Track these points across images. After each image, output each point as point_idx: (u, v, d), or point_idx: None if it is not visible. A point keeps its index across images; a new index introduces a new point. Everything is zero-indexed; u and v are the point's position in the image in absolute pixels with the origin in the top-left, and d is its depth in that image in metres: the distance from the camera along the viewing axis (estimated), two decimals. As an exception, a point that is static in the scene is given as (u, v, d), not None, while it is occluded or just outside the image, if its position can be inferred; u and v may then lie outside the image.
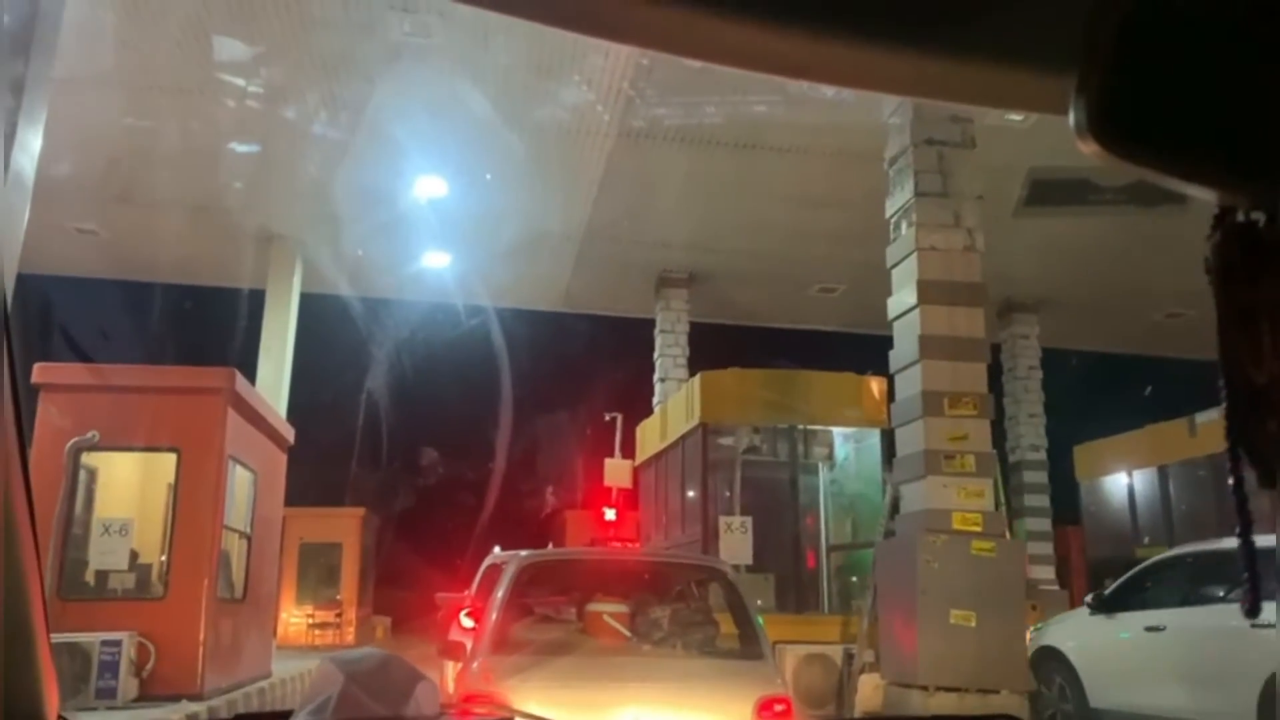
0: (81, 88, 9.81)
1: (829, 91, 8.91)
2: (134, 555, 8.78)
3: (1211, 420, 12.12)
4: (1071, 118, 0.70)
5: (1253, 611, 0.76)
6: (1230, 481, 0.75)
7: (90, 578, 8.70)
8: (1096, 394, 19.77)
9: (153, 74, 10.15)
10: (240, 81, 10.36)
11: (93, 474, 8.95)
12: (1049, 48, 0.80)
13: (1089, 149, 0.69)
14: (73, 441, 8.27)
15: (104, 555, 8.60)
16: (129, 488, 9.43)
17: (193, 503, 8.70)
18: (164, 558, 8.78)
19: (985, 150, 9.58)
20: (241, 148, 11.64)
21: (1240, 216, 0.74)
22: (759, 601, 10.17)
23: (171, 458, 8.84)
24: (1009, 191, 11.50)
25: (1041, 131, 9.64)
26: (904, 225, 9.48)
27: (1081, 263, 14.44)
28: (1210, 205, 0.75)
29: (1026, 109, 0.91)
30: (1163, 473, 13.43)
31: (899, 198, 9.60)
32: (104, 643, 7.72)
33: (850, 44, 0.82)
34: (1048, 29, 0.81)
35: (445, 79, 10.08)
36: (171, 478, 8.87)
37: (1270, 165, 0.70)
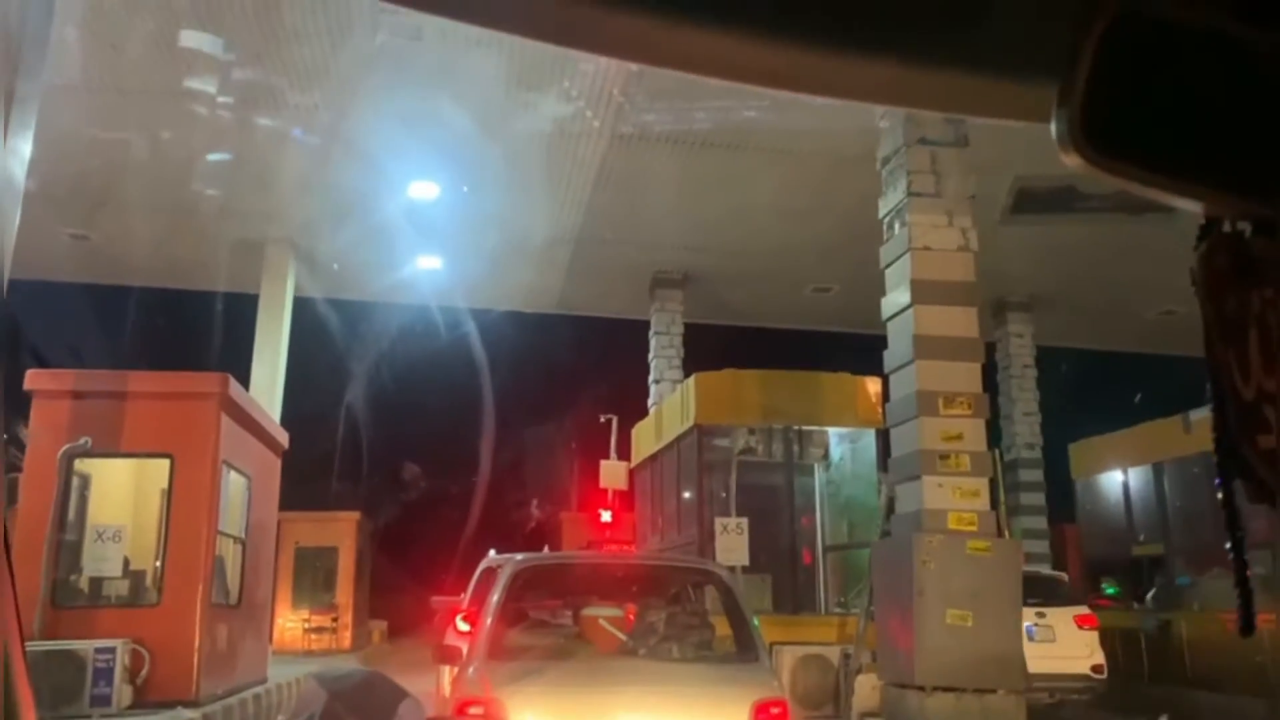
0: (74, 93, 9.79)
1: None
2: (127, 562, 8.75)
3: (1205, 417, 12.02)
4: (1054, 129, 0.69)
5: (1246, 630, 0.74)
6: (1220, 497, 0.74)
7: (84, 585, 8.67)
8: (1092, 392, 19.82)
9: (144, 78, 10.12)
10: (233, 87, 10.33)
11: (86, 480, 8.92)
12: (1033, 58, 0.79)
13: (1071, 160, 0.69)
14: (65, 448, 8.24)
15: (97, 562, 8.57)
16: (122, 494, 9.40)
17: (186, 508, 8.67)
18: (158, 564, 8.75)
19: (978, 150, 9.58)
20: (235, 153, 11.61)
21: (1226, 227, 0.73)
22: (754, 604, 10.17)
23: (165, 463, 8.81)
24: (1002, 191, 11.52)
25: (1035, 131, 9.62)
26: (897, 225, 9.48)
27: (1075, 262, 14.46)
28: (1196, 214, 0.75)
29: (1011, 118, 0.91)
30: (1158, 470, 13.40)
31: (892, 198, 9.60)
32: (98, 650, 7.69)
33: (835, 55, 0.81)
34: (1032, 39, 0.80)
35: (439, 84, 10.07)
36: (165, 483, 8.84)
37: (1254, 176, 0.70)
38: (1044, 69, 0.74)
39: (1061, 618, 10.45)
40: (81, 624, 7.92)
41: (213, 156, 11.60)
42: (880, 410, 10.73)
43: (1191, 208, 0.72)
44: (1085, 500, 15.37)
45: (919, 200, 9.26)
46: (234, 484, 9.67)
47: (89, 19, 8.94)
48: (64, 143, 10.47)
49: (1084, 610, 10.79)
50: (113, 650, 7.74)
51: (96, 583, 8.69)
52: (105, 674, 7.67)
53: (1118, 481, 14.49)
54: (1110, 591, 14.62)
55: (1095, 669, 10.40)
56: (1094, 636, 10.59)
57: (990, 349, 14.30)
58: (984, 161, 9.76)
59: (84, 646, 7.62)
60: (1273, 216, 0.70)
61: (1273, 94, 0.70)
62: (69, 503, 8.50)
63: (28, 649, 1.05)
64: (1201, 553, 12.22)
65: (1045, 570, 12.54)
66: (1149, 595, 13.37)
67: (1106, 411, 16.07)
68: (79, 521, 8.74)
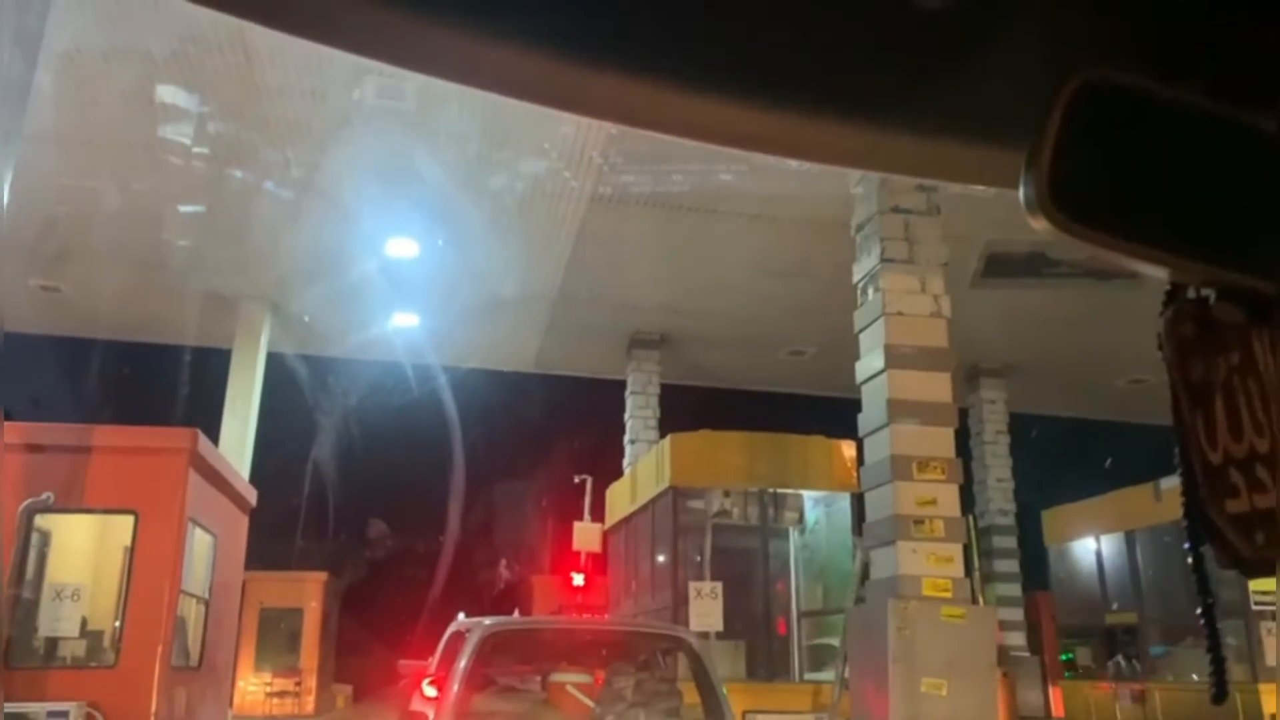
0: (54, 145, 9.80)
1: (795, 161, 9.06)
2: (84, 621, 8.51)
3: (1175, 485, 12.07)
4: (1021, 194, 0.70)
5: (1219, 697, 0.73)
6: (1190, 562, 0.73)
7: (39, 644, 8.41)
8: (1065, 459, 19.93)
9: (123, 133, 10.15)
10: (208, 145, 10.38)
11: (46, 537, 8.71)
12: (1002, 124, 0.81)
13: (1039, 225, 0.69)
14: (26, 503, 8.05)
15: (54, 621, 8.33)
16: (83, 550, 9.17)
17: (149, 567, 8.47)
18: (117, 624, 8.51)
19: (950, 218, 9.75)
20: (212, 208, 11.62)
21: (1191, 293, 0.74)
22: (728, 671, 10.03)
23: (129, 520, 8.62)
24: (974, 260, 11.70)
25: (1005, 201, 9.81)
26: (871, 291, 9.60)
27: (1046, 329, 14.65)
28: (1162, 280, 0.75)
29: (982, 183, 0.92)
30: (1130, 538, 13.45)
31: (866, 264, 9.73)
32: (50, 713, 7.43)
33: (809, 119, 0.83)
34: (1001, 106, 0.82)
35: (422, 147, 10.17)
36: (128, 541, 8.64)
37: (1219, 243, 0.71)
38: (1012, 135, 0.75)
39: None
40: (35, 685, 7.66)
41: (190, 212, 11.60)
42: (855, 474, 10.73)
43: (1157, 274, 0.72)
44: (1058, 567, 15.38)
45: (892, 266, 9.39)
46: (199, 542, 9.48)
47: (67, 70, 8.97)
48: (37, 194, 10.44)
49: None
50: (65, 713, 7.49)
51: (52, 643, 8.43)
52: (57, 738, 7.41)
53: (1090, 549, 14.52)
54: (1065, 657, 14.53)
55: None
56: None
57: (964, 415, 14.40)
58: (956, 230, 9.93)
59: (36, 709, 7.37)
60: (1236, 283, 0.71)
61: (1236, 163, 0.71)
62: (28, 560, 8.29)
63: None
64: (1174, 622, 12.21)
65: None
66: (1110, 663, 13.31)
67: (1079, 478, 16.18)
68: (37, 579, 8.51)
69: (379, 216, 11.75)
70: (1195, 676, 10.87)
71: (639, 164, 10.49)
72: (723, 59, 0.79)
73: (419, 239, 12.60)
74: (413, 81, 8.95)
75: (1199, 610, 0.74)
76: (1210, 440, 0.71)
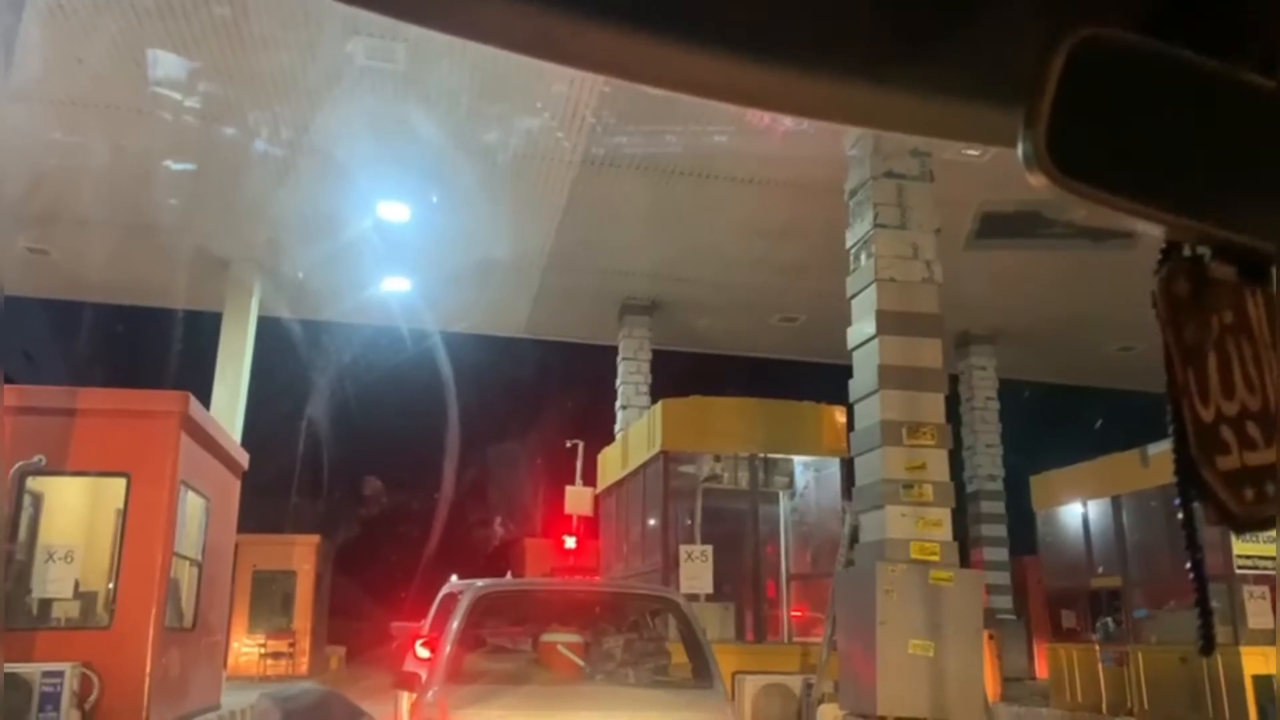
0: (45, 107, 9.68)
1: (788, 123, 9.02)
2: (78, 583, 8.55)
3: (1163, 451, 12.10)
4: (1020, 150, 0.70)
5: (1207, 649, 0.75)
6: (1180, 518, 0.74)
7: (33, 606, 8.45)
8: (1053, 424, 20.05)
9: (110, 93, 10.03)
10: (199, 105, 10.27)
11: (38, 499, 8.72)
12: (1000, 82, 0.80)
13: (1037, 181, 0.70)
14: (18, 466, 8.04)
15: (48, 583, 8.36)
16: (76, 513, 9.19)
17: (142, 529, 8.49)
18: (111, 585, 8.55)
19: (943, 184, 9.72)
20: (203, 170, 11.51)
21: (1186, 251, 0.74)
22: (717, 632, 10.14)
23: (121, 482, 8.63)
24: (966, 226, 11.68)
25: (999, 166, 9.80)
26: (863, 256, 9.59)
27: (1036, 296, 14.69)
28: (1157, 240, 0.76)
29: (979, 142, 0.92)
30: (1116, 503, 13.53)
31: (859, 229, 9.71)
32: (45, 674, 7.48)
33: (807, 76, 0.82)
34: (999, 64, 0.81)
35: (413, 108, 10.07)
36: (121, 503, 8.65)
37: (1215, 201, 0.71)
38: (1011, 93, 0.75)
39: None
40: (29, 646, 7.71)
41: (180, 172, 11.49)
42: (845, 439, 10.78)
43: (1153, 231, 0.73)
44: (1046, 532, 15.50)
45: (885, 232, 9.38)
46: (192, 505, 9.50)
47: (51, 27, 8.84)
48: (24, 154, 10.33)
49: None
50: (60, 674, 7.53)
51: (46, 604, 8.47)
52: (52, 699, 7.46)
53: (1077, 514, 14.62)
54: None
55: None
56: None
57: (954, 381, 14.46)
58: (949, 196, 9.90)
59: (31, 670, 7.41)
60: (1232, 242, 0.72)
61: (1233, 122, 0.71)
62: (20, 522, 8.30)
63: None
64: (1158, 585, 12.35)
65: None
66: (1097, 626, 13.48)
67: (1068, 444, 16.27)
68: (30, 541, 8.53)
69: (370, 178, 11.67)
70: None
71: (632, 124, 10.41)
72: (720, 13, 0.79)
73: (411, 202, 12.52)
74: (404, 40, 8.85)
75: (1188, 565, 0.75)
76: (1202, 398, 0.72)
